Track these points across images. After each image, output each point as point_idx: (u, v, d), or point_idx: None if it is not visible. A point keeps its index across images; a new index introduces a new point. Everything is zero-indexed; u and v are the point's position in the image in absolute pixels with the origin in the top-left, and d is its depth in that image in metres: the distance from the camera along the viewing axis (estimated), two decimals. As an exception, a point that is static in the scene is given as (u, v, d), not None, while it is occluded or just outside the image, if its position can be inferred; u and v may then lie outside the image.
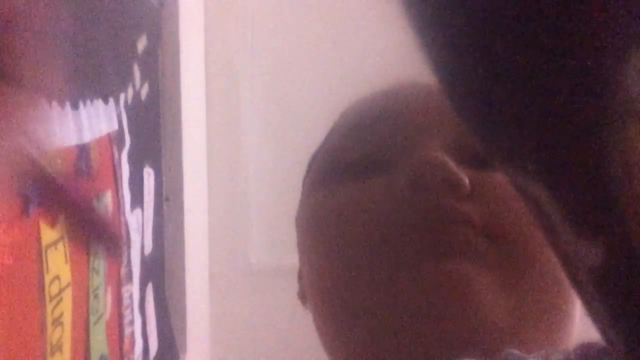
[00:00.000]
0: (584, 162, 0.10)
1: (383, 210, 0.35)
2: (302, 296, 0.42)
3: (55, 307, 0.56)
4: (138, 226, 0.89)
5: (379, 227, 0.35)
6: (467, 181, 0.35)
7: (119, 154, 0.80)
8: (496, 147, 0.12)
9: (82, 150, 0.64)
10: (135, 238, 0.87)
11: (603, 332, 0.12)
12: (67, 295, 0.59)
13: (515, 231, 0.34)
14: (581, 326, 0.35)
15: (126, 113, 0.82)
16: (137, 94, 0.90)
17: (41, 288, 0.53)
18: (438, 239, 0.34)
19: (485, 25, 0.11)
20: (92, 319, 0.67)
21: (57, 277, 0.56)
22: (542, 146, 0.11)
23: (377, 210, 0.36)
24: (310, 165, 0.43)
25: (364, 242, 0.36)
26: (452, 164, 0.35)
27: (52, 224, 0.56)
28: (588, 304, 0.11)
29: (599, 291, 0.11)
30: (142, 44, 0.92)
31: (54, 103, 0.58)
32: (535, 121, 0.11)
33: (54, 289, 0.56)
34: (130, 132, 0.84)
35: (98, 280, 0.69)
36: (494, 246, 0.34)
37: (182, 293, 1.10)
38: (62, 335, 0.58)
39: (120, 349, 0.79)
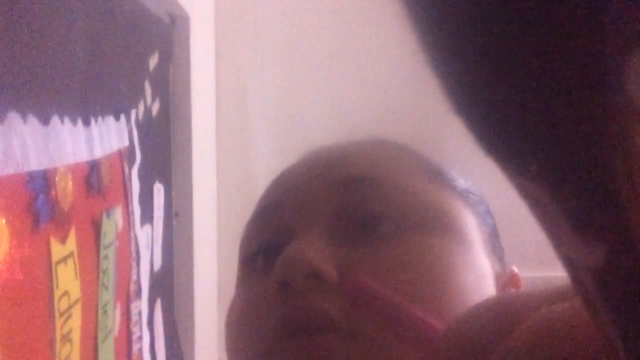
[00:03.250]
0: (587, 163, 0.10)
1: (258, 314, 0.35)
2: None
3: (64, 323, 0.56)
4: (148, 242, 0.89)
5: (250, 330, 0.35)
6: (333, 272, 0.33)
7: (130, 170, 0.80)
8: (497, 147, 0.12)
9: (93, 166, 0.64)
10: (144, 254, 0.87)
11: (604, 332, 0.11)
12: (77, 311, 0.59)
13: (380, 323, 0.31)
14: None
15: (137, 129, 0.83)
16: (148, 111, 0.90)
17: (51, 304, 0.54)
18: (307, 350, 0.32)
19: (487, 24, 0.11)
20: (101, 335, 0.67)
21: (66, 293, 0.56)
22: (544, 146, 0.11)
23: (253, 314, 0.35)
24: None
25: (241, 342, 0.35)
26: (316, 257, 0.33)
27: (62, 240, 0.56)
28: (589, 305, 0.11)
29: (600, 292, 0.11)
30: (153, 61, 0.93)
31: (66, 119, 0.58)
32: (537, 121, 0.11)
33: (64, 304, 0.56)
34: (140, 148, 0.85)
35: (107, 296, 0.69)
36: (357, 345, 0.32)
37: (191, 309, 1.10)
38: (71, 351, 0.58)
39: (129, 365, 0.79)
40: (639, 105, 0.09)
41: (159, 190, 0.95)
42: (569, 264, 0.12)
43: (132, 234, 0.80)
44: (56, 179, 0.55)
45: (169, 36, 1.03)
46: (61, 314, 0.55)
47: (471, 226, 0.37)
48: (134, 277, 0.82)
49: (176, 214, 1.06)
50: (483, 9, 0.10)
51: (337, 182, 0.37)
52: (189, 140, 1.09)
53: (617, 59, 0.09)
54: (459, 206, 0.37)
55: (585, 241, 0.11)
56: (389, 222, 0.35)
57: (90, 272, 0.63)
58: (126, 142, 0.78)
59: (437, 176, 0.39)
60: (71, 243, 0.58)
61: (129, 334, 0.80)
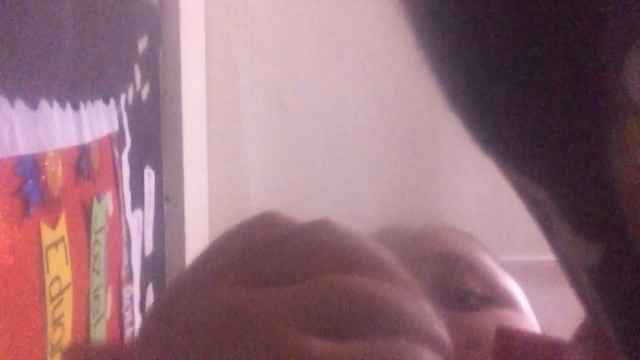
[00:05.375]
0: (585, 162, 0.10)
1: None
2: None
3: (55, 307, 0.56)
4: (139, 226, 0.89)
5: None
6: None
7: (120, 155, 0.80)
8: (495, 145, 0.12)
9: (83, 150, 0.64)
10: (135, 238, 0.87)
11: (602, 332, 0.11)
12: (68, 295, 0.59)
13: None
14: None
15: (127, 113, 0.82)
16: (137, 95, 0.90)
17: (42, 289, 0.53)
18: None
19: (485, 23, 0.10)
20: (93, 319, 0.67)
21: (57, 278, 0.56)
22: (543, 144, 0.11)
23: None
24: None
25: None
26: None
27: (53, 225, 0.56)
28: (587, 304, 0.11)
29: (597, 291, 0.11)
30: (142, 44, 0.92)
31: (55, 103, 0.57)
32: (535, 119, 0.11)
33: (55, 289, 0.56)
34: (131, 132, 0.84)
35: (98, 280, 0.69)
36: None
37: (183, 294, 1.10)
38: (63, 335, 0.58)
39: (121, 349, 0.79)
40: (637, 99, 0.09)
41: (149, 174, 0.95)
42: (566, 262, 0.12)
43: (122, 219, 0.80)
44: (46, 163, 0.55)
45: (158, 19, 1.02)
46: (52, 299, 0.55)
47: (521, 299, 0.43)
48: (125, 262, 0.82)
49: (167, 199, 1.06)
50: (480, 6, 0.10)
51: (429, 257, 0.41)
52: (179, 124, 1.08)
53: (617, 54, 0.09)
54: (511, 282, 0.44)
55: (583, 240, 0.10)
56: (476, 296, 0.40)
57: (81, 256, 0.63)
58: (116, 127, 0.77)
59: (494, 257, 0.45)
60: (61, 228, 0.58)
61: (121, 318, 0.80)
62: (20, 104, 0.51)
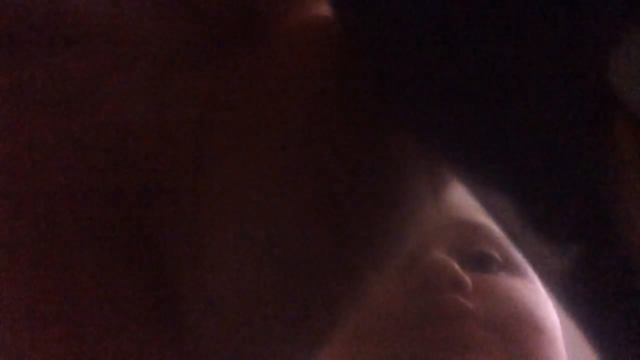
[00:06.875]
0: (560, 163, 0.10)
1: (395, 307, 0.40)
2: None
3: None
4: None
5: (391, 322, 0.39)
6: (469, 281, 0.40)
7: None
8: (451, 153, 0.11)
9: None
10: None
11: (585, 335, 0.11)
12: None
13: (514, 323, 0.40)
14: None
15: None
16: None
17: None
18: (447, 334, 0.38)
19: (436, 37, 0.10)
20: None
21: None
22: (508, 150, 0.10)
23: (390, 307, 0.40)
24: None
25: (377, 336, 0.39)
26: (457, 267, 0.40)
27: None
28: (569, 312, 0.11)
29: (573, 293, 0.10)
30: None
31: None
32: (499, 121, 0.10)
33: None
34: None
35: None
36: (497, 337, 0.39)
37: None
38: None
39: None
40: (623, 101, 0.09)
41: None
42: (539, 269, 0.11)
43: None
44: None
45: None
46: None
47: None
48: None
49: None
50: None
51: (452, 224, 0.43)
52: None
53: (600, 51, 0.09)
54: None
55: (556, 243, 0.10)
56: (496, 263, 0.43)
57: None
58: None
59: None
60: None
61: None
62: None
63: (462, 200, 0.47)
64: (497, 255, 0.43)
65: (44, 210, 0.11)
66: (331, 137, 0.12)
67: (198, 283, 0.11)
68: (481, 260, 0.42)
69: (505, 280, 0.42)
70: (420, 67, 0.11)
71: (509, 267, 0.43)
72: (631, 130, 0.09)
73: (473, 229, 0.43)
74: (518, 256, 0.43)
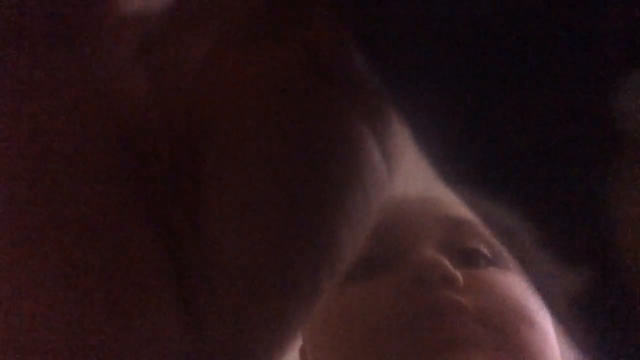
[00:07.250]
0: (569, 186, 0.10)
1: (387, 306, 0.40)
2: None
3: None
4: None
5: (384, 321, 0.40)
6: (460, 277, 0.40)
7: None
8: (460, 175, 0.11)
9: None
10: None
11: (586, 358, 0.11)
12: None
13: (506, 317, 0.40)
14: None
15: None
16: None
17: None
18: (441, 330, 0.38)
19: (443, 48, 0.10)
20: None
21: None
22: (520, 170, 0.10)
23: (382, 306, 0.41)
24: None
25: (370, 336, 0.40)
26: (447, 263, 0.40)
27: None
28: (570, 334, 0.11)
29: (580, 321, 0.10)
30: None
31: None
32: (510, 143, 0.10)
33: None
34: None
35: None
36: (490, 332, 0.39)
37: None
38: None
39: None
40: (630, 130, 0.09)
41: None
42: (546, 293, 0.11)
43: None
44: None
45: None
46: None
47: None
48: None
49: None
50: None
51: (438, 220, 0.44)
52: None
53: (610, 78, 0.08)
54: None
55: (565, 267, 0.10)
56: (483, 256, 0.43)
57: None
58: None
59: None
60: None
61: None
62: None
63: (448, 196, 0.47)
64: (485, 250, 0.43)
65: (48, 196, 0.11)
66: (283, 125, 0.12)
67: (202, 258, 0.12)
68: (470, 256, 0.43)
69: (495, 275, 0.43)
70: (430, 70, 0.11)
71: (497, 262, 0.43)
72: (637, 164, 0.09)
73: (460, 225, 0.44)
74: (505, 251, 0.43)
